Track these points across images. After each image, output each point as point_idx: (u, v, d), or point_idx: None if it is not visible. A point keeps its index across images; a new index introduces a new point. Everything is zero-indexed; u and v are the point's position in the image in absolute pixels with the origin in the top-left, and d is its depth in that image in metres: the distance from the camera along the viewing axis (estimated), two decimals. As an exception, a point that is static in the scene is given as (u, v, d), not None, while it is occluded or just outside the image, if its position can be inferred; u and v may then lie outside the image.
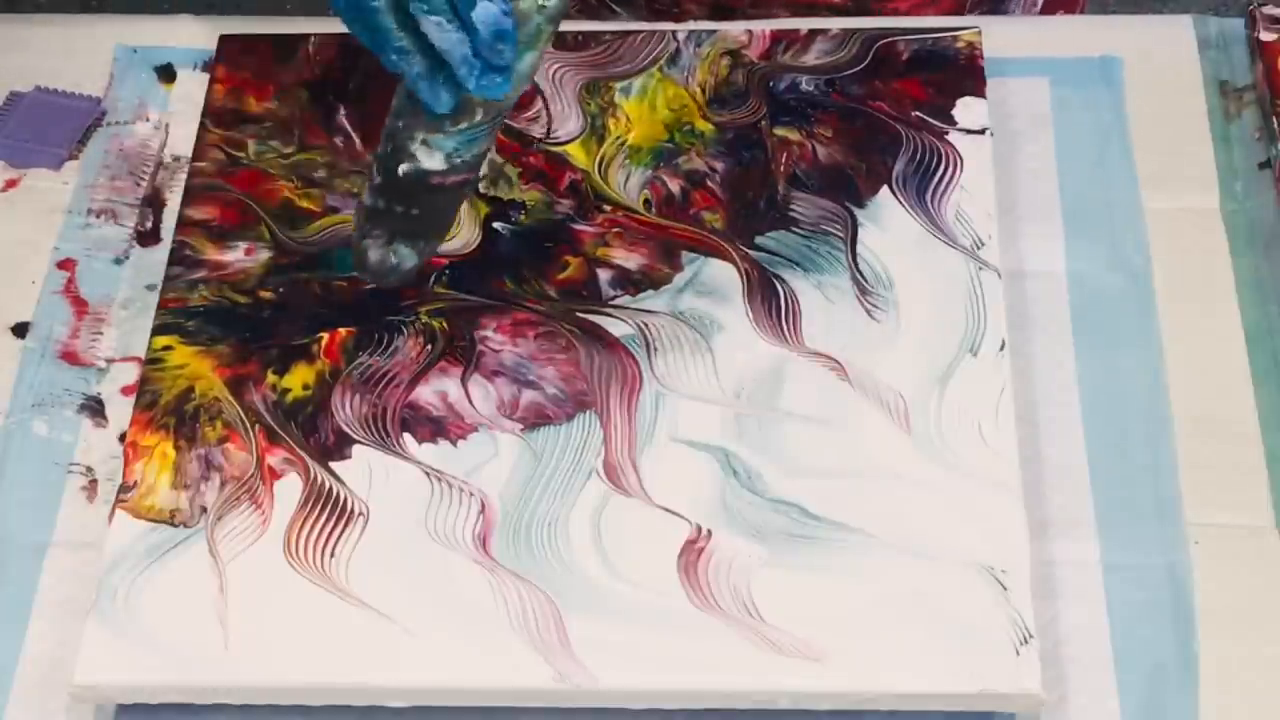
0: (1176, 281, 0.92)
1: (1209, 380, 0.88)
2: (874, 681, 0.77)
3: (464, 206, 0.93)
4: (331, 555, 0.82)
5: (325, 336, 0.89)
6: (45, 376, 0.91)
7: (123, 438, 0.87)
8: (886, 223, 0.91)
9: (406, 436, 0.85)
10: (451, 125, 0.81)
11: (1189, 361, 0.89)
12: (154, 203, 0.98)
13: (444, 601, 0.80)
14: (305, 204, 0.94)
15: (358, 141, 0.96)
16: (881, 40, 0.98)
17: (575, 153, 0.96)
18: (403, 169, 0.83)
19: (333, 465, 0.84)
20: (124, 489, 0.84)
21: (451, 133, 0.82)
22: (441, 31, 0.77)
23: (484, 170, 0.94)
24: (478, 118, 0.82)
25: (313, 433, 0.86)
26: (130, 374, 0.91)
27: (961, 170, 0.93)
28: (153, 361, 0.88)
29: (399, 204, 0.84)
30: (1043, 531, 0.83)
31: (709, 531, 0.82)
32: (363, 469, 0.84)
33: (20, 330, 0.93)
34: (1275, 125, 0.95)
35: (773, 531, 0.81)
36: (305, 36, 1.01)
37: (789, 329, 0.88)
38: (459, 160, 0.83)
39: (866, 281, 0.89)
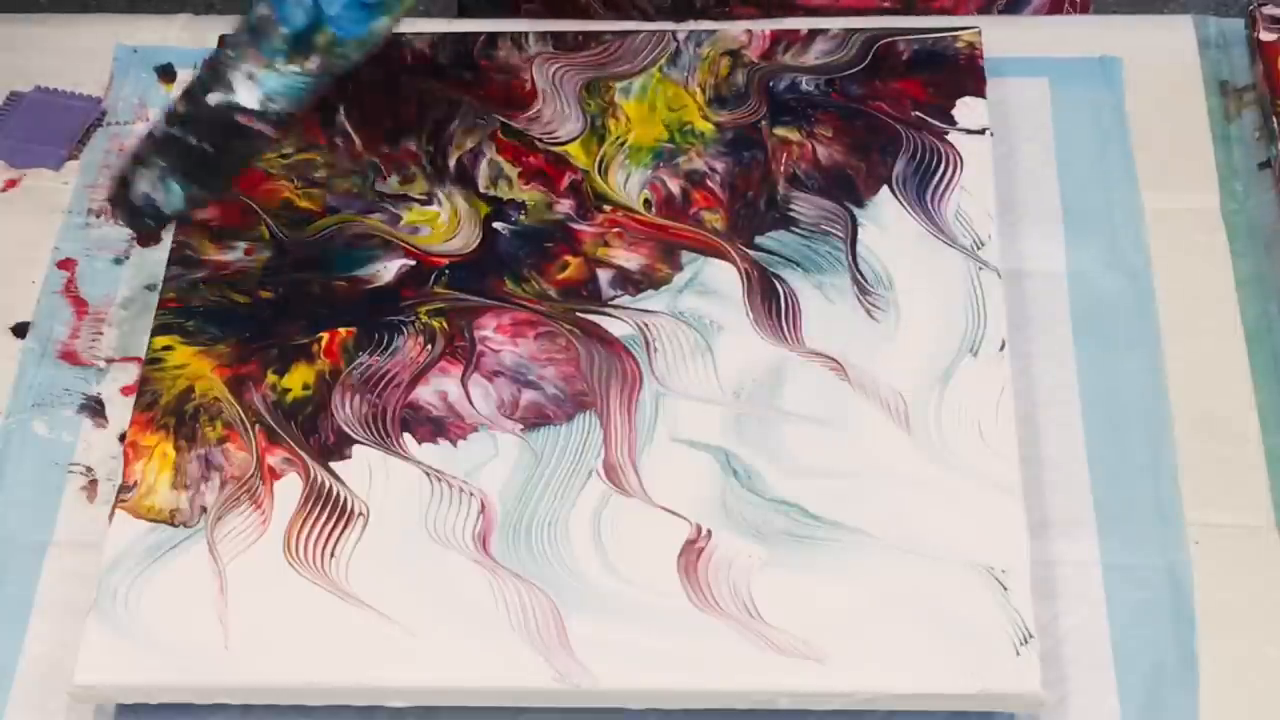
0: (1176, 281, 0.92)
1: (1209, 380, 0.88)
2: (874, 681, 0.77)
3: (464, 207, 0.93)
4: (331, 555, 0.82)
5: (325, 336, 0.89)
6: (45, 376, 0.91)
7: (123, 438, 0.87)
8: (886, 223, 0.91)
9: (406, 436, 0.85)
10: (284, 64, 0.82)
11: (1189, 361, 0.89)
12: (154, 203, 0.98)
13: (444, 601, 0.80)
14: (305, 204, 0.94)
15: (358, 141, 0.96)
16: (881, 40, 0.98)
17: (575, 153, 0.95)
18: (214, 97, 0.83)
19: (333, 465, 0.84)
20: (124, 489, 0.84)
21: (282, 72, 0.82)
22: None
23: (485, 173, 0.95)
24: (310, 64, 0.82)
25: (313, 433, 0.86)
26: (130, 374, 0.91)
27: (961, 170, 0.93)
28: (153, 361, 0.88)
29: (193, 135, 0.83)
30: (1043, 531, 0.83)
31: (709, 531, 0.82)
32: (363, 469, 0.84)
33: (20, 330, 0.93)
34: (1275, 125, 0.95)
35: (773, 531, 0.81)
36: (305, 36, 1.01)
37: (789, 329, 0.88)
38: (272, 106, 0.83)
39: (866, 281, 0.89)
